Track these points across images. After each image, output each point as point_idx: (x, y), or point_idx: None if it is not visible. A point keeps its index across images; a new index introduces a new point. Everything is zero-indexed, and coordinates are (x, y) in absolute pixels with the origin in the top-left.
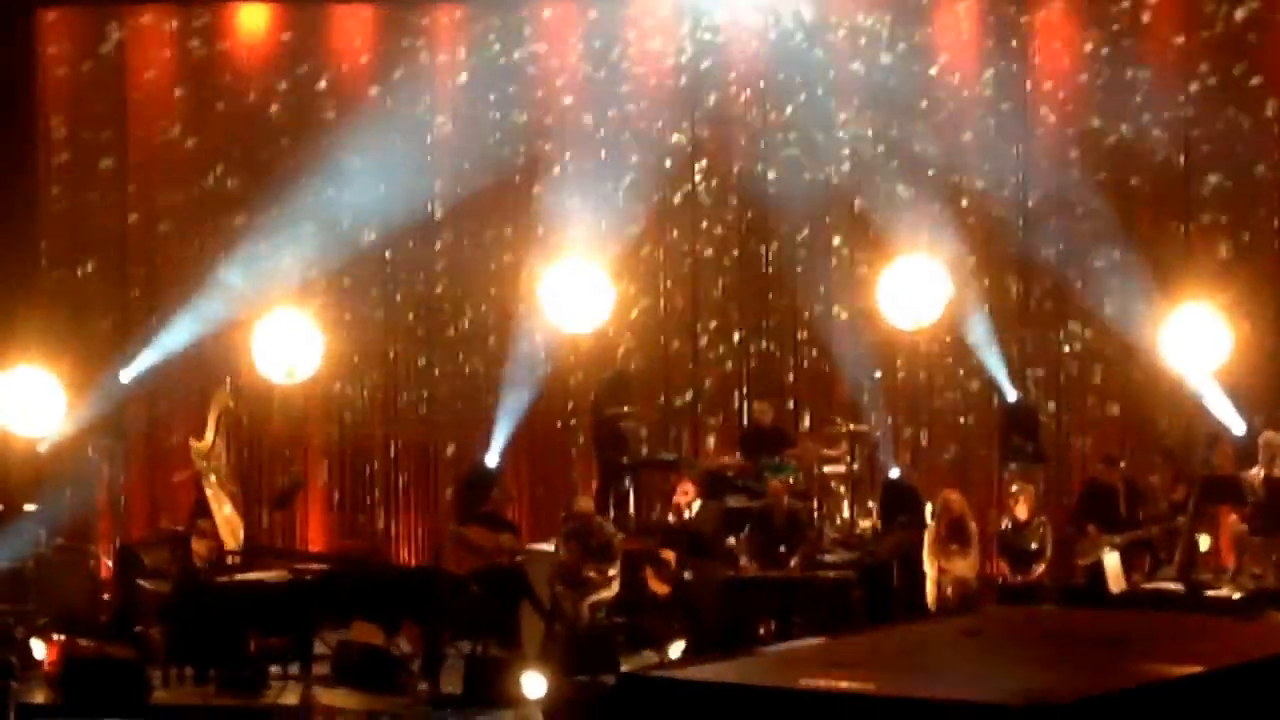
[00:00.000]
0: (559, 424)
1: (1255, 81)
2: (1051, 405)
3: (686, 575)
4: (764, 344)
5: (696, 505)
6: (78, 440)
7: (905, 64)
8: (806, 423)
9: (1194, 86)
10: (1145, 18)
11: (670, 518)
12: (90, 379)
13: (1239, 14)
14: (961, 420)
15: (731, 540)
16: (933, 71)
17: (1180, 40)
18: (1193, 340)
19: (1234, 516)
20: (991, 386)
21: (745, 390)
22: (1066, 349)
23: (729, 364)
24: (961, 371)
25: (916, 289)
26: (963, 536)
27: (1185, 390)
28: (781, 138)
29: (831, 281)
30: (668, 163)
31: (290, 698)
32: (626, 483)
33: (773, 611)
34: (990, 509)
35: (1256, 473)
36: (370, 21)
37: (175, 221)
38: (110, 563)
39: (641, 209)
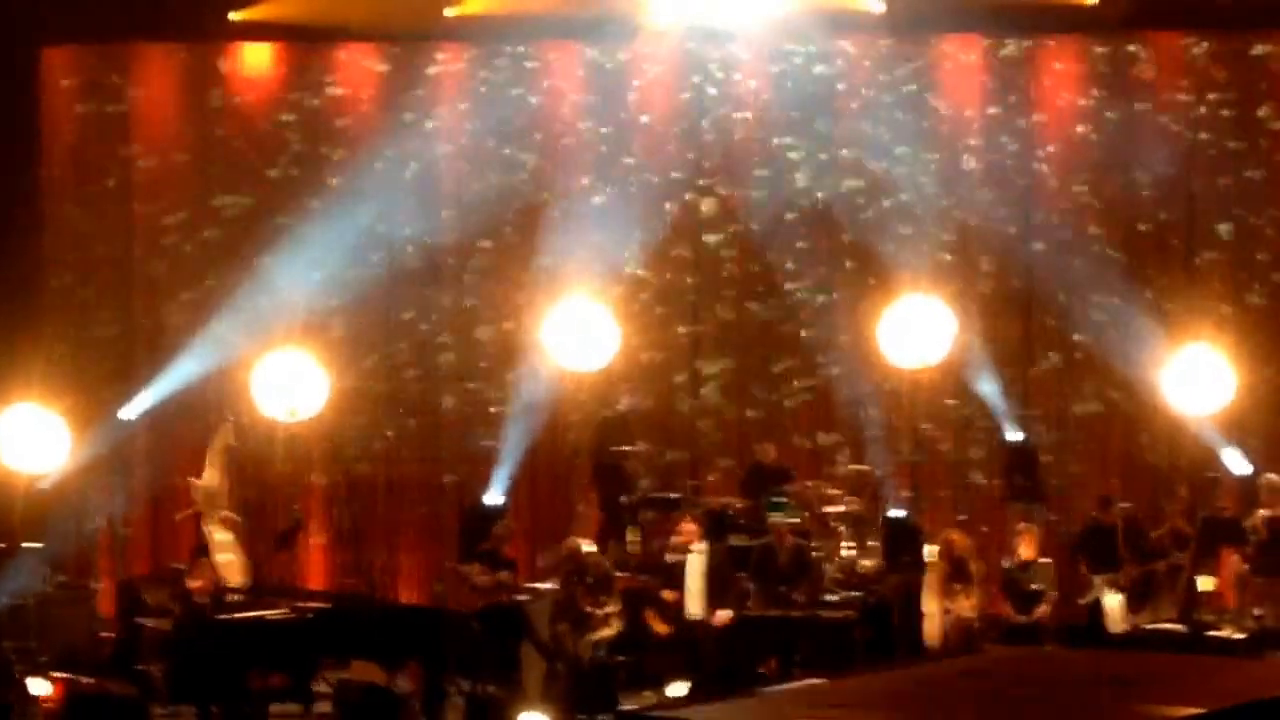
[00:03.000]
0: (561, 462)
1: (1259, 120)
2: (1054, 446)
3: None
4: (766, 383)
5: (698, 545)
6: (79, 478)
7: (908, 105)
8: (809, 462)
9: (1198, 129)
10: (1148, 63)
11: (670, 557)
12: (92, 417)
13: (1243, 61)
14: (963, 460)
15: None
16: (935, 111)
17: (1183, 84)
18: (1196, 381)
19: (1236, 557)
20: (994, 426)
21: (747, 429)
22: (1069, 389)
23: (731, 402)
24: (964, 411)
25: (919, 328)
26: (965, 576)
27: (1188, 431)
28: (785, 178)
29: (834, 320)
30: (670, 201)
31: None
32: (628, 521)
33: (774, 650)
34: (992, 548)
35: (1258, 513)
36: (374, 62)
37: (179, 259)
38: (112, 600)
39: (644, 248)
